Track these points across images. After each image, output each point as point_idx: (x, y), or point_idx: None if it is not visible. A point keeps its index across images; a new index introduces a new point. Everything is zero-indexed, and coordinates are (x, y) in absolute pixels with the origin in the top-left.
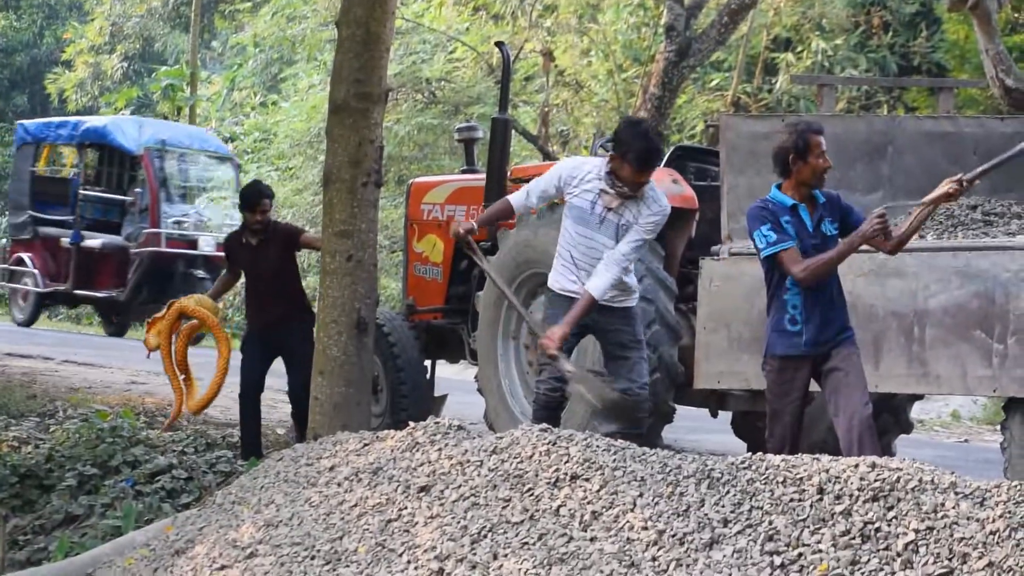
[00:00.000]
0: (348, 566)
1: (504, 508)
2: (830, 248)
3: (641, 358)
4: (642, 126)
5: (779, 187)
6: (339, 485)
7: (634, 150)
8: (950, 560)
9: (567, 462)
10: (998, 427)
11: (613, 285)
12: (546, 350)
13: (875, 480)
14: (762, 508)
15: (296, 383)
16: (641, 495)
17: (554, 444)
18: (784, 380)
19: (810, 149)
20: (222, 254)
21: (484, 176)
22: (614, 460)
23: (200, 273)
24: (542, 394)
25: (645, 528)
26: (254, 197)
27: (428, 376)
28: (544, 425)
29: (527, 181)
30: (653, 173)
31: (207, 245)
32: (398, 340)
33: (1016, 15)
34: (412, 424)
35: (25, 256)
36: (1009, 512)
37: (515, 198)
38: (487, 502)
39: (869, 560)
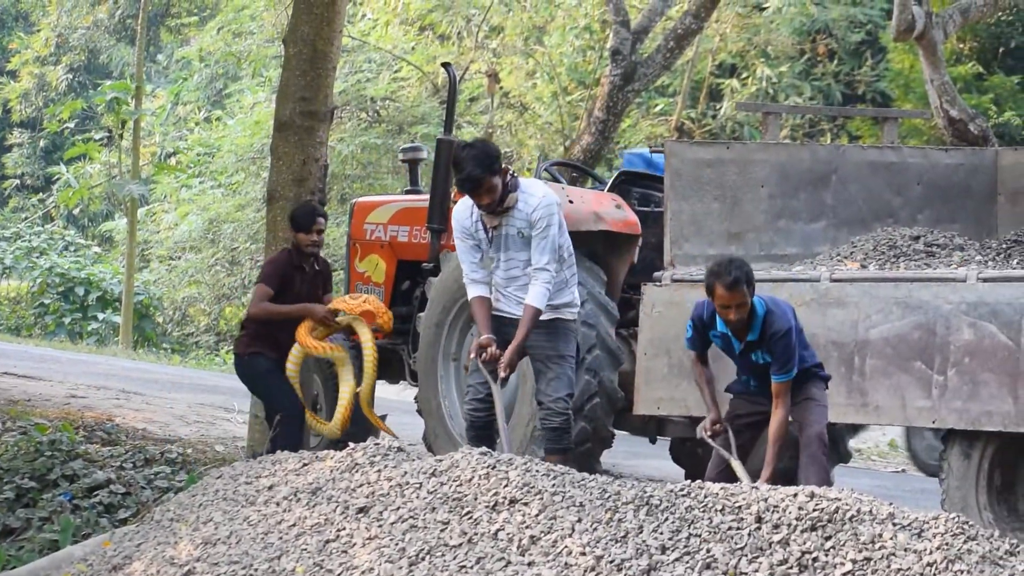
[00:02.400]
0: None
1: (443, 531)
2: (756, 369)
3: (561, 373)
4: (463, 156)
5: None
6: (278, 504)
7: (457, 183)
8: None
9: (506, 486)
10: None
11: (549, 293)
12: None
13: (813, 510)
14: (700, 536)
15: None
16: (580, 520)
17: (494, 468)
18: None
19: (712, 295)
20: None
21: (428, 197)
22: (553, 485)
23: None
24: (466, 414)
25: (583, 554)
26: (309, 216)
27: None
28: (484, 449)
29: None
30: (507, 184)
31: None
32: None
33: (961, 46)
34: (352, 445)
35: None
36: (947, 544)
37: (467, 285)
38: (426, 524)
39: None
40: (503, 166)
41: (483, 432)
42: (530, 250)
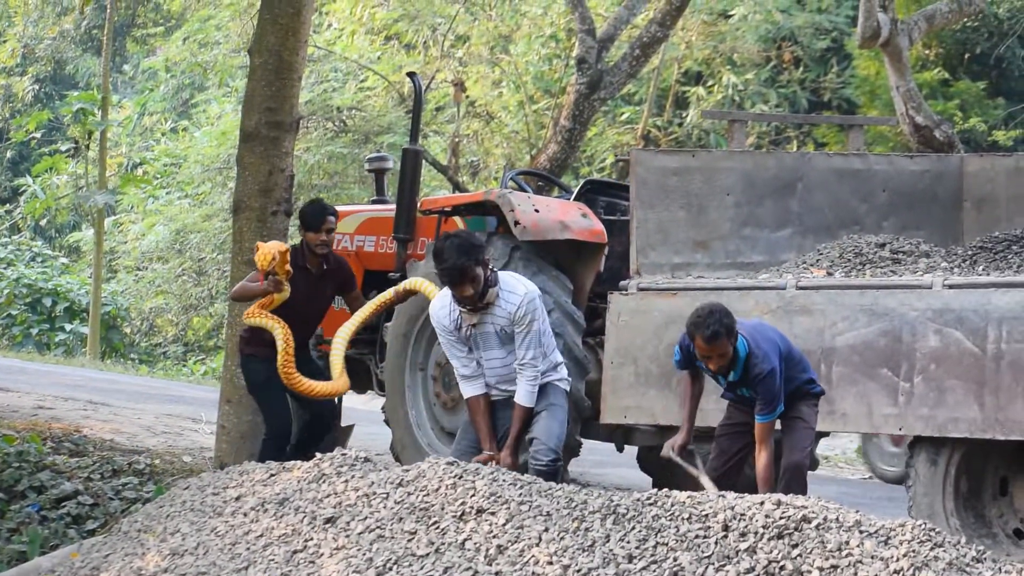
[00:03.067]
0: None
1: (410, 541)
2: (746, 401)
3: (552, 418)
4: (444, 246)
5: None
6: (245, 515)
7: (440, 273)
8: None
9: (473, 496)
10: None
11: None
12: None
13: (780, 518)
14: (667, 544)
15: (319, 415)
16: (547, 530)
17: (460, 478)
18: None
19: (695, 346)
20: None
21: (394, 206)
22: (520, 494)
23: None
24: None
25: (550, 563)
26: (318, 214)
27: (335, 406)
28: (451, 458)
29: (437, 212)
30: (479, 277)
31: None
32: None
33: (927, 52)
34: (319, 455)
35: None
36: (913, 551)
37: (460, 383)
38: (393, 534)
39: None
40: (486, 256)
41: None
42: (511, 346)
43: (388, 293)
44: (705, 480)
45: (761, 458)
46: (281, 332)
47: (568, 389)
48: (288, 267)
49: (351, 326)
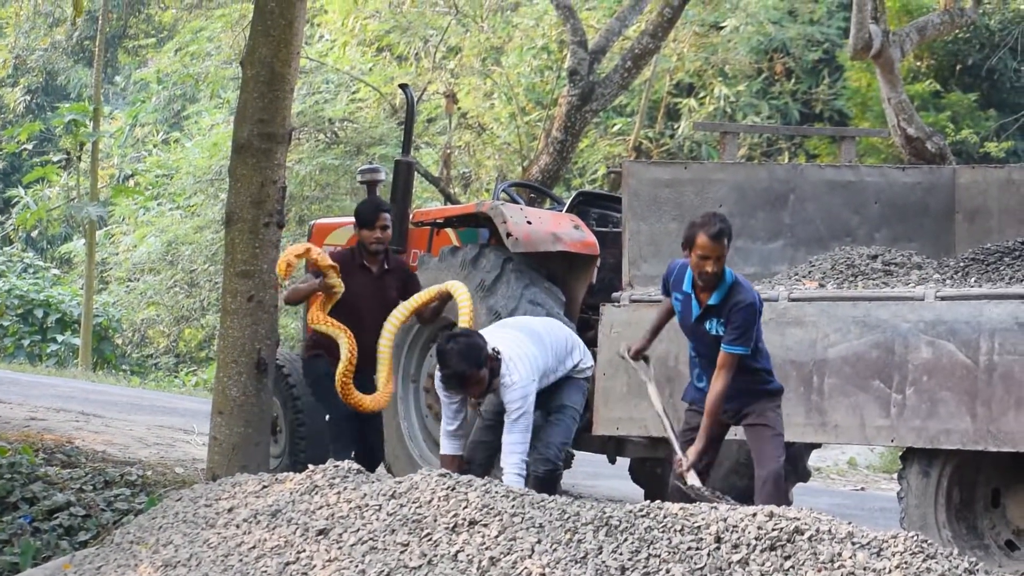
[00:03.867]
0: None
1: (402, 552)
2: (707, 340)
3: (559, 420)
4: (447, 350)
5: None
6: (238, 527)
7: (442, 376)
8: None
9: (466, 507)
10: (895, 475)
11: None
12: None
13: (773, 529)
14: (660, 556)
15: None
16: (539, 542)
17: (453, 489)
18: (688, 422)
19: (692, 246)
20: None
21: None
22: (512, 506)
23: None
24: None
25: (543, 575)
26: (372, 211)
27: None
28: (443, 470)
29: (429, 224)
30: (478, 378)
31: None
32: (297, 381)
33: (919, 64)
34: (311, 466)
35: None
36: (906, 563)
37: (442, 438)
38: (385, 546)
39: None
40: (488, 353)
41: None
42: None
43: (431, 291)
44: (652, 388)
45: (716, 384)
46: (347, 343)
47: (587, 382)
48: (330, 262)
49: (393, 327)
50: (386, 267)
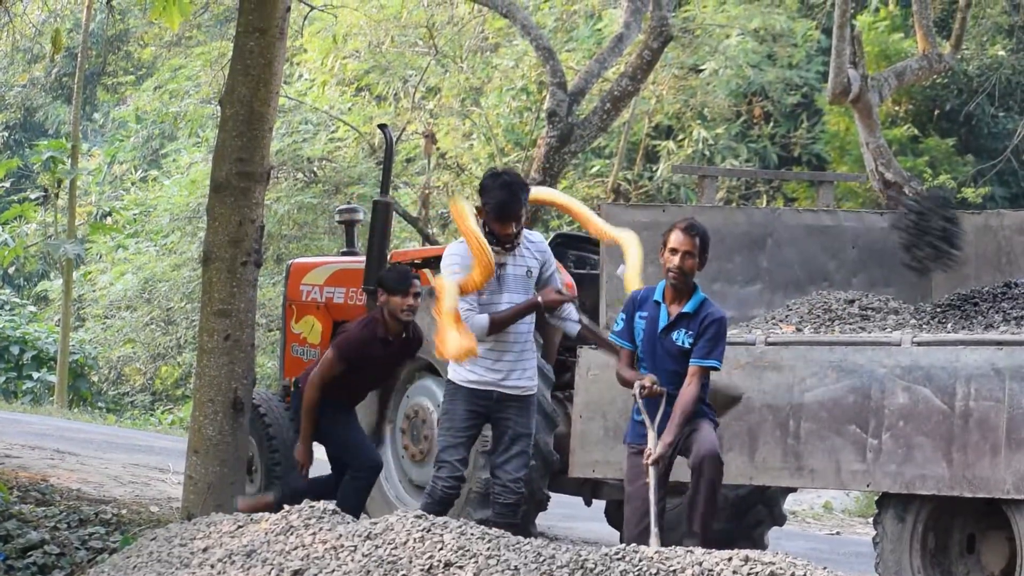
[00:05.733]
0: None
1: None
2: (672, 352)
3: (523, 452)
4: (501, 178)
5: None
6: (212, 567)
7: (493, 205)
8: None
9: (441, 549)
10: (870, 519)
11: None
12: None
13: (748, 573)
14: None
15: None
16: None
17: (428, 531)
18: (634, 465)
19: (665, 242)
20: None
21: (364, 258)
22: (488, 548)
23: None
24: (439, 489)
25: None
26: (404, 278)
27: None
28: (419, 512)
29: (407, 264)
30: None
31: None
32: (274, 421)
33: (897, 108)
34: (286, 507)
35: None
36: None
37: (474, 318)
38: None
39: None
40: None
41: (446, 509)
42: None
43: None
44: (651, 434)
45: (688, 390)
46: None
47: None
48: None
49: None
50: (405, 336)
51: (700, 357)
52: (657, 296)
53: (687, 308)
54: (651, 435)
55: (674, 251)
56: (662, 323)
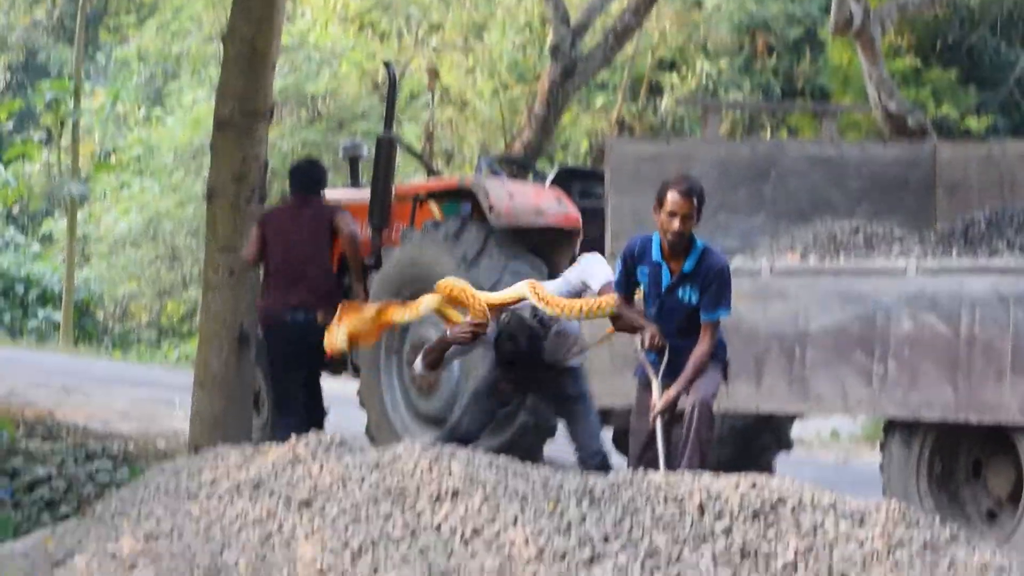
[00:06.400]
0: None
1: (385, 523)
2: (679, 310)
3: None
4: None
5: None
6: (220, 499)
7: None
8: None
9: (449, 478)
10: (877, 446)
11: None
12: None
13: (756, 499)
14: (643, 525)
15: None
16: (522, 512)
17: (436, 460)
18: (641, 400)
19: (662, 203)
20: None
21: (369, 193)
22: (496, 476)
23: None
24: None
25: (526, 544)
26: None
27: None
28: (427, 441)
29: (412, 198)
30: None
31: None
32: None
33: (900, 40)
34: (294, 438)
35: None
36: (888, 532)
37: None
38: (368, 517)
39: None
40: None
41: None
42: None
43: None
44: (656, 385)
45: (701, 347)
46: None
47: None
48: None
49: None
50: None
51: (710, 310)
52: (655, 254)
53: (688, 266)
54: (655, 387)
55: (672, 214)
56: (665, 283)
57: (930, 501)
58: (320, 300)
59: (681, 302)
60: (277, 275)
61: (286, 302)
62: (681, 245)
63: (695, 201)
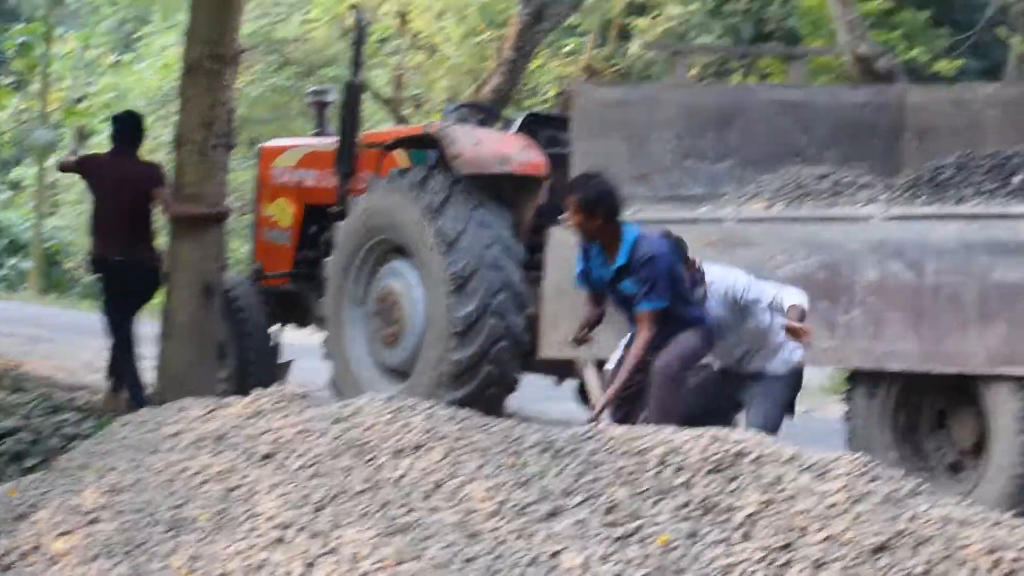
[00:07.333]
0: (190, 533)
1: (346, 477)
2: (625, 300)
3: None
4: None
5: None
6: (182, 452)
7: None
8: (789, 532)
9: (410, 432)
10: (842, 397)
11: None
12: None
13: (716, 452)
14: (604, 479)
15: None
16: (483, 465)
17: (397, 413)
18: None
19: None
20: None
21: (336, 140)
22: (457, 430)
23: None
24: None
25: (487, 499)
26: None
27: (273, 342)
28: (388, 394)
29: (379, 146)
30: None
31: None
32: (245, 305)
33: None
34: (257, 391)
35: None
36: (850, 485)
37: None
38: (329, 471)
39: (709, 532)
40: None
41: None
42: None
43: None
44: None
45: (639, 341)
46: None
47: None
48: None
49: None
50: None
51: (641, 301)
52: (597, 248)
53: (620, 260)
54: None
55: (573, 223)
56: (608, 277)
57: (894, 453)
58: (139, 246)
59: (626, 294)
60: (102, 220)
61: (112, 246)
62: (604, 242)
63: (584, 208)
